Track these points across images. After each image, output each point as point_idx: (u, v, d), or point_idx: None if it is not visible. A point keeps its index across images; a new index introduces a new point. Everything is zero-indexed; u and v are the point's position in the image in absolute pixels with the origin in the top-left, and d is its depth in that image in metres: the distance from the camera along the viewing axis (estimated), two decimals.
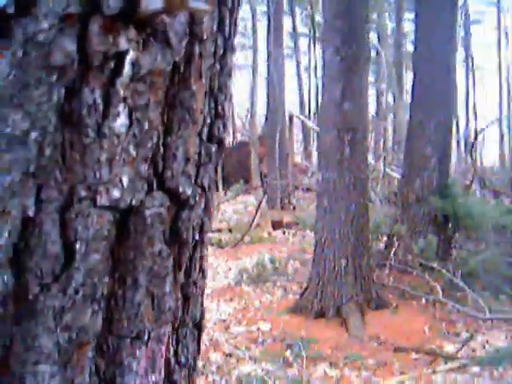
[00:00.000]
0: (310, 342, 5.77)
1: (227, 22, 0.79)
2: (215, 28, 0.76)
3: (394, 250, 7.78)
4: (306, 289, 6.90)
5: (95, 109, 0.69)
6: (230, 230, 11.98)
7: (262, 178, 15.23)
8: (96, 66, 0.67)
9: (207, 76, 0.77)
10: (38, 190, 0.68)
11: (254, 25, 18.02)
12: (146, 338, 0.78)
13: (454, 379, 4.84)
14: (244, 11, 23.28)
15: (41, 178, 0.67)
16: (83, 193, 0.70)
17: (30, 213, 0.68)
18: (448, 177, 8.42)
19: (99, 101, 0.69)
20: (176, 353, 0.85)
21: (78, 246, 0.70)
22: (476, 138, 11.40)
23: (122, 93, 0.69)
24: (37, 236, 0.68)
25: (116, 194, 0.71)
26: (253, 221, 11.15)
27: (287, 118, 15.82)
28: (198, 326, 0.89)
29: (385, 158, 11.95)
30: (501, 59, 25.46)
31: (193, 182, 0.78)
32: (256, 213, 11.09)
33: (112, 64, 0.68)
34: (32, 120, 0.66)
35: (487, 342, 5.77)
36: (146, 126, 0.72)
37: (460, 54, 24.51)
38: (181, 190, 0.76)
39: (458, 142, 22.85)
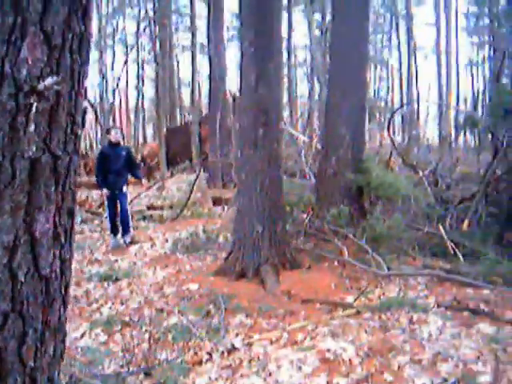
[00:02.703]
0: (231, 298, 6.50)
1: (76, 85, 1.99)
2: (69, 88, 1.96)
3: (309, 218, 8.84)
4: (229, 253, 7.76)
5: (24, 124, 1.87)
6: (171, 207, 12.70)
7: (201, 157, 15.99)
8: (22, 108, 1.86)
9: (68, 107, 1.97)
10: None
11: (192, 6, 18.67)
12: None
13: (347, 322, 5.54)
14: None
15: None
16: None
17: None
18: (363, 153, 9.49)
19: (24, 121, 1.87)
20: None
21: None
22: (392, 117, 12.64)
23: (32, 118, 1.88)
24: None
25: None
26: (189, 196, 11.90)
27: (231, 98, 16.60)
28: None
29: (317, 136, 13.05)
30: (440, 38, 26.71)
31: (62, 148, 1.98)
32: (192, 188, 11.82)
33: (28, 106, 1.86)
34: None
35: (383, 294, 6.63)
36: (42, 129, 1.91)
37: (404, 35, 25.99)
38: (57, 152, 1.98)
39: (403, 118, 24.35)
